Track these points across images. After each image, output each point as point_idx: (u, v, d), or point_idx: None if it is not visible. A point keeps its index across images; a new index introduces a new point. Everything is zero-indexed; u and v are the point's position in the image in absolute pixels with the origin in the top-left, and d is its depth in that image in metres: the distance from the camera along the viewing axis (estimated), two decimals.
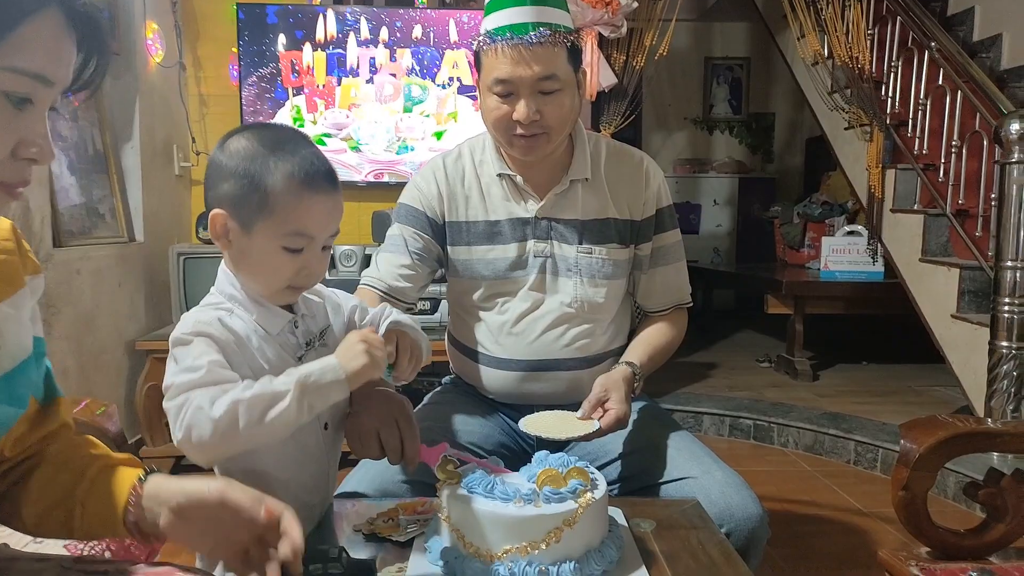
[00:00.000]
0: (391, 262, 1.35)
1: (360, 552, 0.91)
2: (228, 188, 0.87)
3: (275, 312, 0.91)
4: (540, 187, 1.32)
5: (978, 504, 1.16)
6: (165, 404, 0.81)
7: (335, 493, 1.13)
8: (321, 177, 0.88)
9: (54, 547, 1.04)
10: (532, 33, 1.17)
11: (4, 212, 0.67)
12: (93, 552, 0.96)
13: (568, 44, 1.21)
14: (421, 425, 1.00)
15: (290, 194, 0.86)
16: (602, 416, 1.13)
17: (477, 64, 1.27)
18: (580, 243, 1.31)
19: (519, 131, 1.22)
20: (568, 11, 1.25)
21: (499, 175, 1.33)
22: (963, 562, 1.09)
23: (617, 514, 0.99)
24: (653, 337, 1.35)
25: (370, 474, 1.17)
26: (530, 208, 1.32)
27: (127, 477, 0.76)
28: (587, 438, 1.11)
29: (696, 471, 1.16)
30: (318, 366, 0.82)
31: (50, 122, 0.66)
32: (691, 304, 1.45)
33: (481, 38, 1.23)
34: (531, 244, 1.32)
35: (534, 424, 1.14)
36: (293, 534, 0.70)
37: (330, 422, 0.98)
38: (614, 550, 0.87)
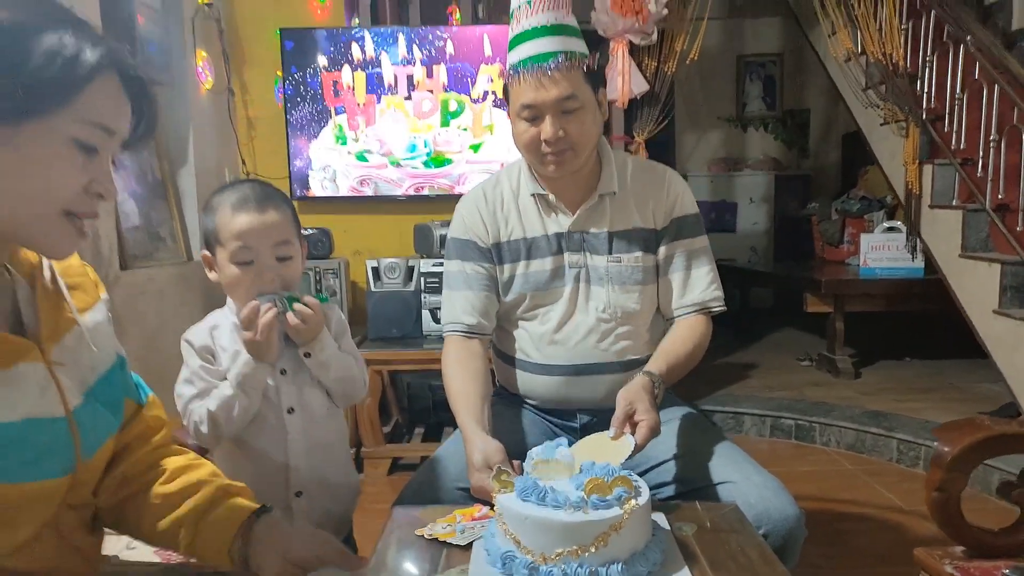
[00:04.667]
0: (462, 301, 1.44)
1: (422, 556, 1.00)
2: (203, 230, 1.21)
3: None
4: (572, 203, 1.42)
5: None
6: (179, 408, 1.19)
7: (394, 502, 1.22)
8: (250, 199, 1.16)
9: (146, 552, 1.15)
10: (551, 61, 1.29)
11: (74, 250, 0.79)
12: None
13: (584, 68, 1.32)
14: None
15: (227, 219, 1.15)
16: (634, 430, 1.16)
17: (506, 95, 1.39)
18: (610, 253, 1.41)
19: (547, 149, 1.33)
20: (582, 38, 1.36)
21: (533, 195, 1.43)
22: (997, 560, 1.13)
23: (660, 519, 1.06)
24: (673, 346, 1.38)
25: (428, 482, 1.26)
26: (563, 223, 1.42)
27: (240, 509, 0.90)
28: (629, 459, 1.14)
29: (735, 476, 1.22)
30: (239, 363, 1.15)
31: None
32: (720, 310, 1.46)
33: (507, 71, 1.36)
34: (566, 256, 1.42)
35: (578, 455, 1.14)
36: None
37: (295, 407, 1.22)
38: (658, 552, 0.94)
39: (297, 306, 1.17)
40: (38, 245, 0.76)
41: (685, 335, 1.40)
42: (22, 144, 0.70)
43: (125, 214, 2.46)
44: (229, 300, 1.24)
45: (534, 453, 1.04)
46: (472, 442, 1.20)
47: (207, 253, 1.21)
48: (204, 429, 1.16)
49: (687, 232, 1.43)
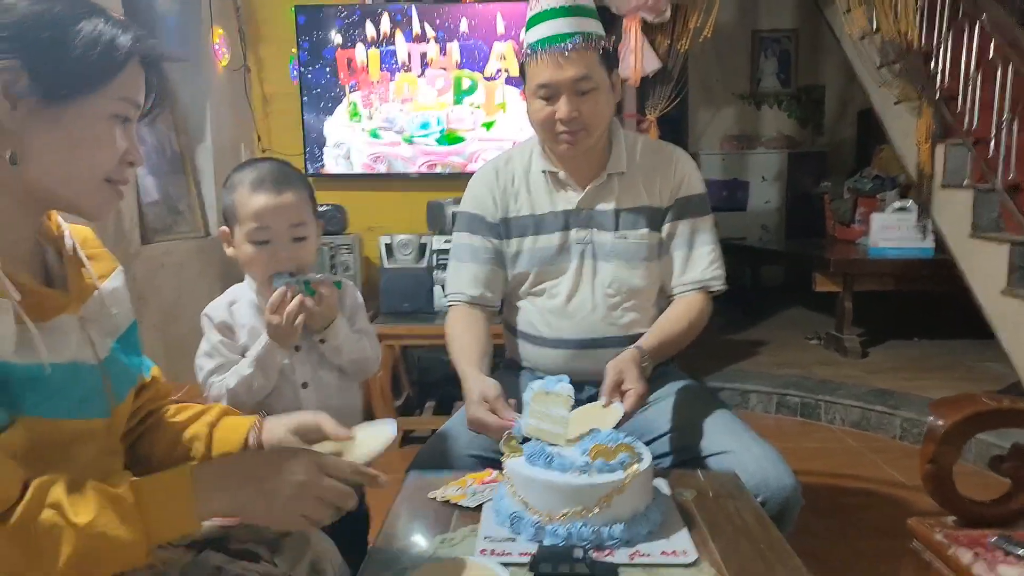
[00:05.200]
0: (467, 273, 1.49)
1: (435, 518, 1.06)
2: (222, 207, 1.24)
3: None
4: (581, 181, 1.47)
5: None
6: (199, 379, 1.25)
7: (407, 467, 1.28)
8: (268, 181, 1.18)
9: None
10: (568, 42, 1.33)
11: (113, 210, 0.86)
12: None
13: (600, 49, 1.36)
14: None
15: (245, 198, 1.18)
16: (622, 399, 1.20)
17: (522, 74, 1.42)
18: (616, 229, 1.45)
19: (561, 128, 1.37)
20: (599, 19, 1.39)
21: (543, 171, 1.48)
22: (986, 529, 1.17)
23: (662, 484, 1.11)
24: (668, 323, 1.42)
25: (441, 449, 1.32)
26: (572, 200, 1.46)
27: (244, 419, 1.05)
28: (617, 427, 1.15)
29: (735, 446, 1.27)
30: (259, 344, 1.19)
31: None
32: (720, 290, 1.48)
33: (524, 50, 1.40)
34: (573, 232, 1.46)
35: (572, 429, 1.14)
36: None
37: (309, 382, 1.26)
38: (658, 514, 0.99)
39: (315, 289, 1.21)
40: (81, 209, 0.84)
41: (681, 313, 1.44)
42: (69, 123, 0.77)
43: (145, 189, 2.51)
44: (248, 276, 1.29)
45: (535, 386, 1.12)
46: (469, 379, 1.27)
47: (225, 229, 1.25)
48: (224, 403, 1.20)
49: (692, 211, 1.47)
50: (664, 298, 1.52)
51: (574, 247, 1.46)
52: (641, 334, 1.45)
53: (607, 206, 1.46)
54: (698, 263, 1.47)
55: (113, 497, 0.72)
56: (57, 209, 0.86)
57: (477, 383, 1.24)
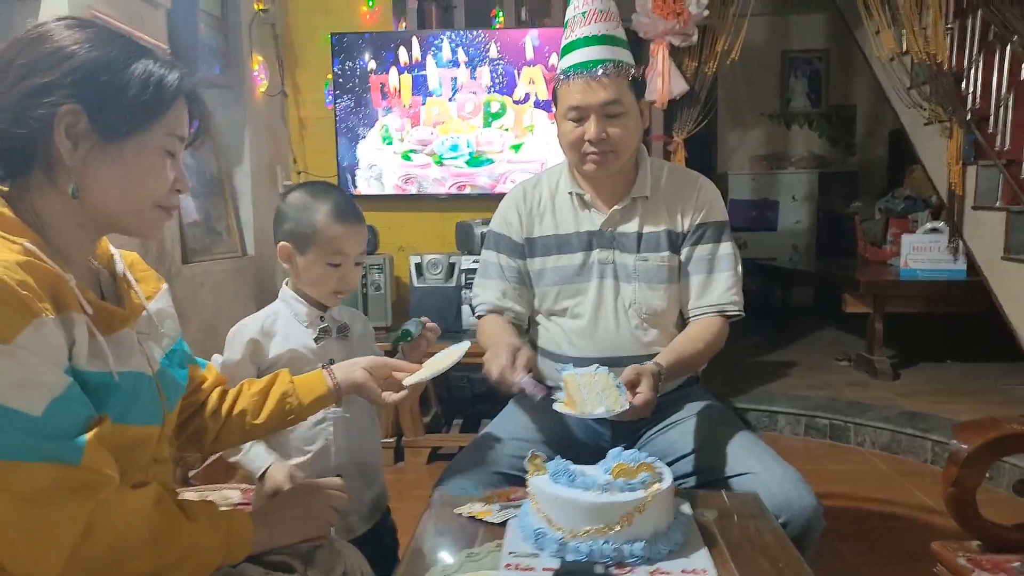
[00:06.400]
0: (494, 288, 1.56)
1: (461, 533, 1.09)
2: (289, 226, 1.30)
3: (311, 311, 1.33)
4: (606, 203, 1.52)
5: None
6: None
7: (435, 484, 1.32)
8: (349, 213, 1.29)
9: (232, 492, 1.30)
10: (599, 68, 1.40)
11: (162, 231, 0.93)
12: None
13: (630, 77, 1.43)
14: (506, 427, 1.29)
15: (327, 226, 1.27)
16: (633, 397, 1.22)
17: (555, 98, 1.49)
18: (638, 251, 1.49)
19: (590, 149, 1.42)
20: (630, 50, 1.45)
21: (570, 193, 1.53)
22: (1010, 554, 1.17)
23: (683, 504, 1.13)
24: (683, 344, 1.44)
25: (465, 467, 1.36)
26: (596, 221, 1.51)
27: (315, 374, 1.16)
28: (619, 417, 1.20)
29: (757, 467, 1.29)
30: (260, 460, 1.25)
31: None
32: (736, 315, 1.49)
33: (558, 75, 1.47)
34: (596, 253, 1.51)
35: (573, 385, 1.23)
36: None
37: (335, 357, 1.29)
38: (679, 533, 1.02)
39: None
40: (134, 232, 0.91)
41: (696, 335, 1.46)
42: (124, 158, 0.84)
43: (186, 210, 2.61)
44: (284, 292, 1.35)
45: (569, 369, 1.22)
46: (500, 345, 1.30)
47: (287, 245, 1.30)
48: None
49: (712, 237, 1.50)
50: (684, 320, 1.55)
51: (596, 267, 1.50)
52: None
53: (630, 228, 1.50)
54: (716, 287, 1.49)
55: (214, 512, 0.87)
56: (113, 232, 0.93)
57: (507, 346, 1.28)
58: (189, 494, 1.21)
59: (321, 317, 1.33)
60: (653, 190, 1.51)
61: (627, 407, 1.18)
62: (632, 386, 1.24)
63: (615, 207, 1.50)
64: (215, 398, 1.12)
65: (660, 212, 1.51)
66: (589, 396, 1.19)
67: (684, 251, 1.50)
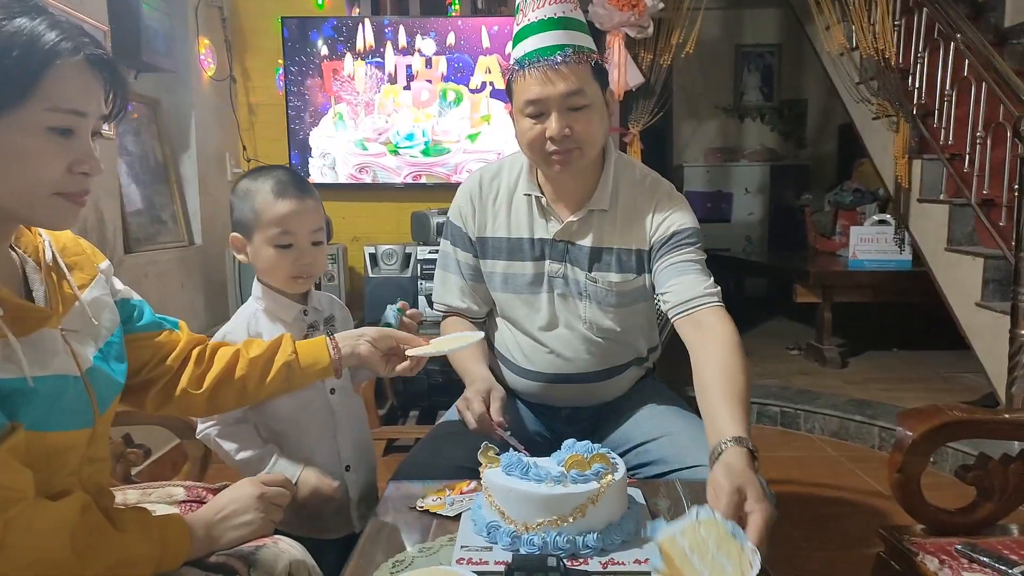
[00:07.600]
0: (453, 285, 1.49)
1: (415, 527, 1.07)
2: (236, 215, 1.25)
3: (290, 305, 1.27)
4: (566, 207, 1.38)
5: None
6: None
7: (390, 477, 1.30)
8: (290, 187, 1.22)
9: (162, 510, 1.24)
10: (558, 54, 1.23)
11: (76, 221, 0.84)
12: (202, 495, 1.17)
13: (593, 63, 1.27)
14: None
15: (268, 205, 1.21)
16: (740, 522, 0.90)
17: (509, 92, 1.34)
18: (589, 270, 1.37)
19: (552, 148, 1.27)
20: (590, 33, 1.32)
21: (527, 195, 1.40)
22: (953, 537, 1.20)
23: (636, 494, 1.13)
24: (726, 380, 1.17)
25: (420, 459, 1.34)
26: (550, 229, 1.38)
27: (319, 341, 1.16)
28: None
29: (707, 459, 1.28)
30: (249, 454, 1.23)
31: (116, 139, 0.89)
32: (715, 301, 1.29)
33: (511, 66, 1.31)
34: (547, 264, 1.39)
35: (677, 553, 0.85)
36: None
37: (336, 387, 1.29)
38: (632, 524, 1.01)
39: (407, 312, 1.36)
40: (39, 222, 0.82)
41: (728, 359, 1.21)
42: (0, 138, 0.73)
43: (128, 198, 2.52)
44: (255, 289, 1.29)
45: (661, 526, 0.88)
46: (477, 377, 1.31)
47: (238, 235, 1.26)
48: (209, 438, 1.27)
49: (679, 244, 1.34)
50: (643, 331, 1.47)
51: (547, 279, 1.40)
52: (617, 366, 1.43)
53: (584, 243, 1.37)
54: (695, 285, 1.30)
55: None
56: (18, 222, 0.83)
57: (485, 382, 1.28)
58: (131, 492, 1.15)
59: (304, 312, 1.29)
60: (612, 203, 1.37)
61: (759, 568, 0.81)
62: (738, 507, 0.90)
63: (571, 218, 1.36)
64: (193, 361, 1.09)
65: (614, 229, 1.37)
66: (703, 564, 0.83)
67: (654, 264, 1.36)
